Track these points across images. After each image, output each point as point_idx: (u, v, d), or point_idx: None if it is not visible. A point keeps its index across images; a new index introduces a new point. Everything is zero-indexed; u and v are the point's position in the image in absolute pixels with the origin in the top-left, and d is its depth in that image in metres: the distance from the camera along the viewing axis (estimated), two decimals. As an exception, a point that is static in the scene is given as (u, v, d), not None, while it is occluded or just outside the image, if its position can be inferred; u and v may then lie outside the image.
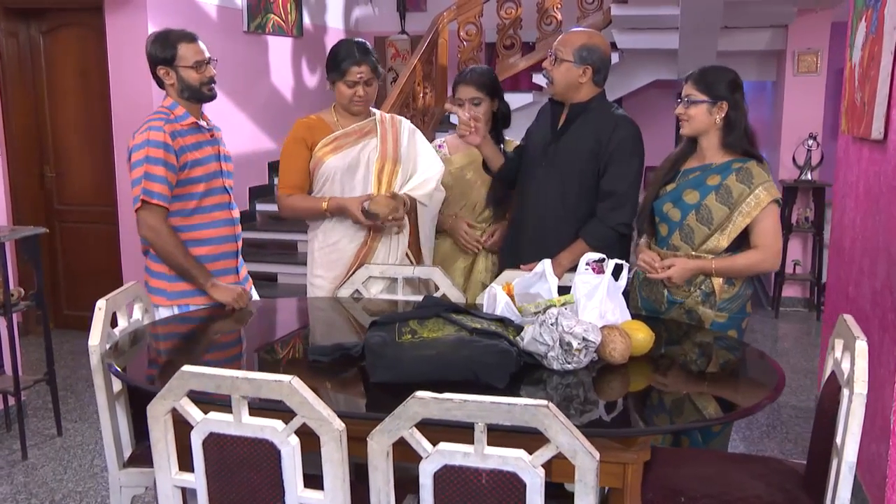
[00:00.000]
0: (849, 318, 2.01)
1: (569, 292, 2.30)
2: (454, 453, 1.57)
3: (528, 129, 3.06)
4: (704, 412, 1.94)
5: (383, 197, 2.84)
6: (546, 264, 2.40)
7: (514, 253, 2.93)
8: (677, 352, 2.36)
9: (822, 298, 5.80)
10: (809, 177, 5.89)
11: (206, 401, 1.75)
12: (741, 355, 2.34)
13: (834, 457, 1.89)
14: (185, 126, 2.75)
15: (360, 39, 2.90)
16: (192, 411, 1.73)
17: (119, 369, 2.11)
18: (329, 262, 2.97)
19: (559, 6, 6.03)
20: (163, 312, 2.76)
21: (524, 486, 1.54)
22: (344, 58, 2.81)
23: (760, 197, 2.47)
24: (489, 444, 1.55)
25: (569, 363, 2.02)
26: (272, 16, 6.07)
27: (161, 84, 2.79)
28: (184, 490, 1.82)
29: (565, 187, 2.81)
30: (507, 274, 2.74)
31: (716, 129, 2.56)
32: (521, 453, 1.54)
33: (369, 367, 1.99)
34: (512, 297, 2.36)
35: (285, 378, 1.61)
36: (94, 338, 2.23)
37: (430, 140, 3.23)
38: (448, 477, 1.58)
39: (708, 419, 1.99)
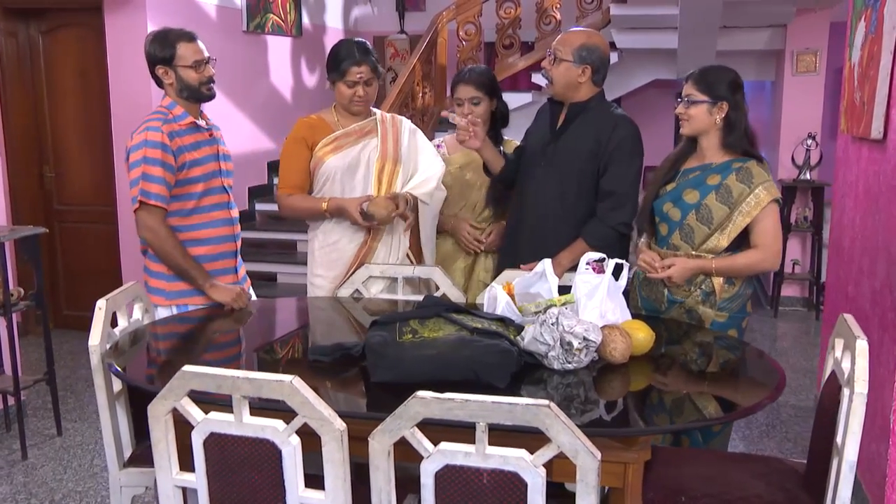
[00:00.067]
0: (849, 317, 2.01)
1: (569, 292, 2.30)
2: (455, 453, 1.56)
3: (527, 130, 3.06)
4: (705, 412, 1.94)
5: (383, 199, 2.83)
6: (546, 264, 2.40)
7: (512, 253, 2.93)
8: (678, 351, 2.36)
9: (821, 298, 5.81)
10: (808, 176, 5.89)
11: (207, 401, 1.75)
12: (741, 355, 2.34)
13: (834, 456, 1.89)
14: (184, 126, 2.74)
15: (360, 39, 2.89)
16: (193, 411, 1.72)
17: (119, 369, 2.11)
18: (329, 261, 2.97)
19: (558, 6, 6.03)
20: (161, 312, 2.76)
21: (525, 485, 1.54)
22: (344, 58, 2.81)
23: (760, 196, 2.48)
24: (490, 443, 1.55)
25: (569, 363, 2.02)
26: (271, 15, 6.07)
27: (160, 83, 2.79)
28: (184, 490, 1.82)
29: (564, 187, 2.81)
30: (508, 274, 2.74)
31: (716, 130, 2.56)
32: (522, 453, 1.54)
33: (370, 366, 1.99)
34: (512, 296, 2.36)
35: (286, 378, 1.61)
36: (95, 337, 2.23)
37: (430, 140, 3.23)
38: (449, 477, 1.58)
39: (708, 419, 1.99)
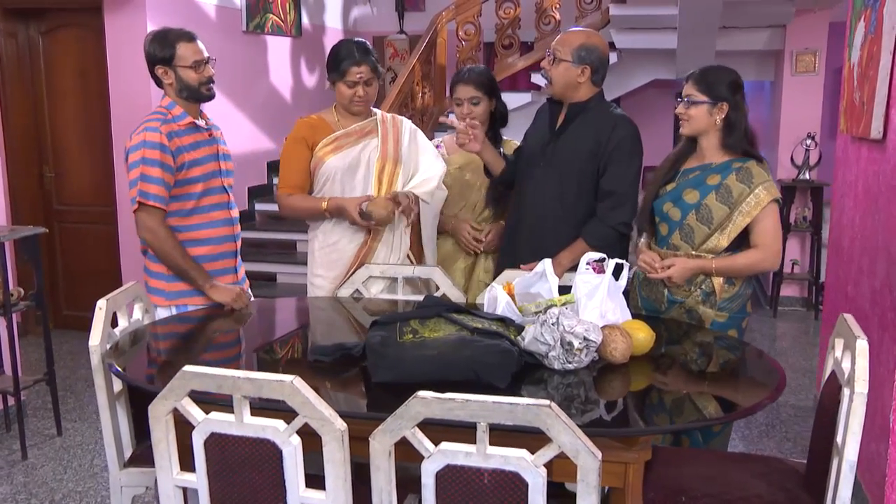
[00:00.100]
0: (849, 317, 2.02)
1: (569, 292, 2.30)
2: (456, 453, 1.57)
3: (526, 131, 3.06)
4: (705, 412, 1.95)
5: (382, 199, 2.84)
6: (546, 264, 2.40)
7: (511, 253, 2.93)
8: (678, 351, 2.37)
9: (820, 297, 5.81)
10: (807, 176, 5.89)
11: (208, 401, 1.75)
12: (741, 355, 2.34)
13: (834, 456, 1.89)
14: (183, 126, 2.74)
15: (359, 39, 2.89)
16: (194, 411, 1.73)
17: (120, 369, 2.11)
18: (329, 261, 2.98)
19: (558, 6, 6.04)
20: (161, 313, 2.76)
21: (526, 485, 1.54)
22: (344, 58, 2.81)
23: (760, 196, 2.48)
24: (490, 443, 1.55)
25: (570, 363, 2.02)
26: (271, 15, 6.07)
27: (160, 83, 2.79)
28: (185, 490, 1.82)
29: (563, 187, 2.81)
30: (508, 274, 2.74)
31: (715, 130, 2.56)
32: (523, 453, 1.54)
33: (371, 366, 1.99)
34: (513, 296, 2.36)
35: (287, 378, 1.61)
36: (95, 338, 2.23)
37: (429, 140, 3.23)
38: (450, 477, 1.58)
39: (709, 419, 1.99)
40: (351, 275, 2.92)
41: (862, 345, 1.85)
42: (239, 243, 2.95)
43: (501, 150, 3.11)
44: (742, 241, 2.54)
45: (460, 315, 2.21)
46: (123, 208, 4.94)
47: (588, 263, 2.36)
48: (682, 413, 1.94)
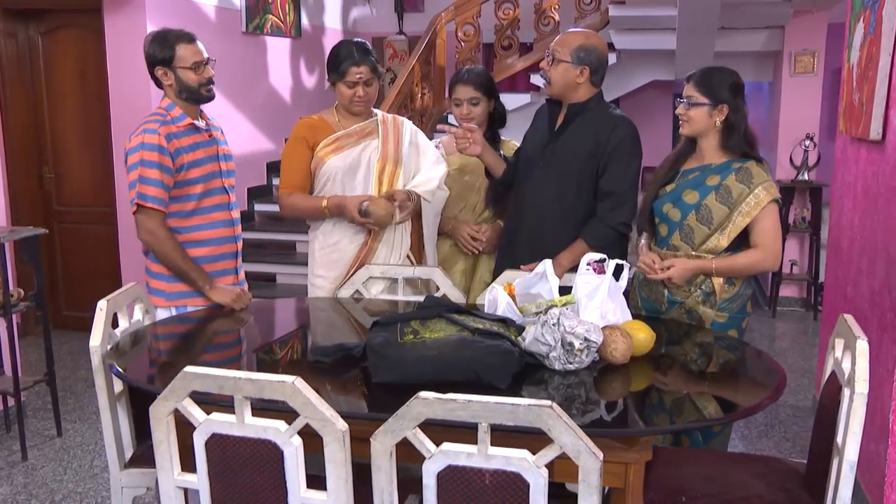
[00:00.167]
0: (849, 317, 2.02)
1: (569, 292, 2.31)
2: (458, 454, 1.57)
3: (525, 133, 3.06)
4: (705, 412, 1.95)
5: (382, 199, 2.84)
6: (547, 264, 2.41)
7: (511, 254, 2.93)
8: (678, 352, 2.37)
9: (819, 298, 5.82)
10: (806, 177, 5.90)
11: (209, 401, 1.75)
12: (742, 355, 2.35)
13: (835, 456, 1.89)
14: (182, 127, 2.74)
15: (359, 40, 2.90)
16: (195, 412, 1.73)
17: (120, 370, 2.11)
18: (330, 262, 2.98)
19: (557, 7, 6.04)
20: (161, 313, 2.76)
21: (528, 486, 1.54)
22: (343, 58, 2.81)
23: (760, 196, 2.48)
24: (491, 444, 1.55)
25: (570, 363, 2.03)
26: (270, 16, 6.07)
27: (159, 84, 2.79)
28: (185, 491, 1.82)
29: (563, 188, 2.81)
30: (508, 274, 2.74)
31: (715, 132, 2.57)
32: (524, 453, 1.54)
33: (371, 367, 2.00)
34: (513, 297, 2.36)
35: (288, 379, 1.62)
36: (96, 338, 2.23)
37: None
38: (451, 477, 1.58)
39: (709, 419, 1.99)
40: (351, 275, 2.92)
41: (862, 345, 1.85)
42: (240, 244, 2.95)
43: (501, 152, 3.11)
44: (742, 241, 2.55)
45: (461, 316, 2.21)
46: (123, 209, 4.95)
47: (588, 264, 2.37)
48: (682, 413, 1.94)
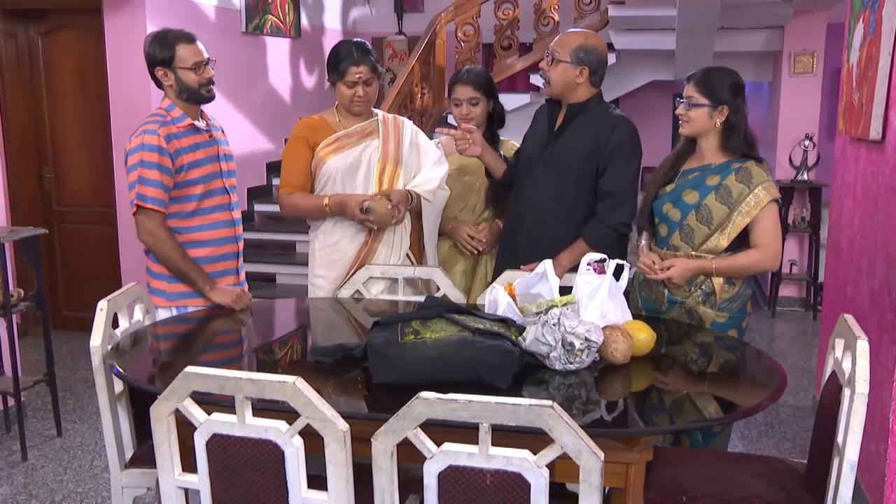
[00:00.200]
0: (849, 317, 2.02)
1: (570, 292, 2.31)
2: (459, 454, 1.57)
3: (525, 134, 3.06)
4: (705, 412, 1.95)
5: (385, 199, 2.84)
6: (547, 265, 2.41)
7: (511, 254, 2.93)
8: (678, 352, 2.37)
9: (818, 298, 5.82)
10: (806, 177, 5.91)
11: (210, 402, 1.75)
12: (742, 355, 2.35)
13: (835, 456, 1.90)
14: (182, 128, 2.74)
15: (359, 40, 2.90)
16: (196, 412, 1.73)
17: (121, 370, 2.11)
18: (330, 262, 2.98)
19: (556, 7, 6.05)
20: (161, 314, 2.76)
21: (528, 486, 1.54)
22: (343, 58, 2.82)
23: (760, 196, 2.48)
24: (492, 444, 1.55)
25: (571, 363, 2.03)
26: (270, 16, 6.07)
27: (160, 85, 2.79)
28: (186, 491, 1.82)
29: (563, 188, 2.81)
30: (508, 274, 2.74)
31: (715, 132, 2.57)
32: (525, 454, 1.54)
33: (372, 367, 2.00)
34: (514, 297, 2.36)
35: (289, 379, 1.62)
36: (96, 339, 2.23)
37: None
38: (452, 477, 1.58)
39: (709, 419, 1.99)
40: (351, 275, 2.92)
41: (862, 345, 1.86)
42: (241, 244, 2.95)
43: (501, 152, 3.11)
44: (742, 241, 2.55)
45: (461, 316, 2.22)
46: (123, 209, 4.95)
47: (589, 264, 2.37)
48: (682, 413, 1.94)
